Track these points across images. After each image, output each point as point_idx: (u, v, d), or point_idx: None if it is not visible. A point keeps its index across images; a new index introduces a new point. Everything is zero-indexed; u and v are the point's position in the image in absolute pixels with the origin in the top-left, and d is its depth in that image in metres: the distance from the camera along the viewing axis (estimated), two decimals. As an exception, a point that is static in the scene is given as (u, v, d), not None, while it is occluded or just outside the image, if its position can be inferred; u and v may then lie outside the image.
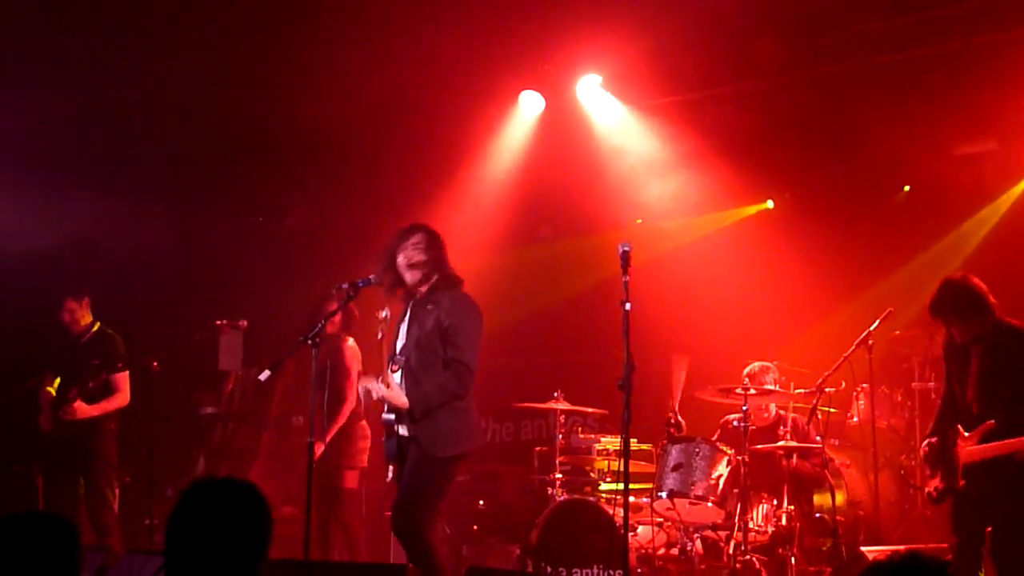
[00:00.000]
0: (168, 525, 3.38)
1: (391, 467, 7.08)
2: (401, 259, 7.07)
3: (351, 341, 9.20)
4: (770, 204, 11.81)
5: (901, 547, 6.61)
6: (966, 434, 6.78)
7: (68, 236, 10.87)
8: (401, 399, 6.79)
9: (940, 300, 6.85)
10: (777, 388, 9.03)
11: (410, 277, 7.07)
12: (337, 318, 8.96)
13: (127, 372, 9.23)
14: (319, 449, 8.74)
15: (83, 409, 8.97)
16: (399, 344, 7.11)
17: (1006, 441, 6.54)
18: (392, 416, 6.95)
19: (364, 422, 9.50)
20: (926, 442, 7.17)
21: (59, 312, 9.25)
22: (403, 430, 6.92)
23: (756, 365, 9.29)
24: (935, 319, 6.95)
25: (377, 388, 6.84)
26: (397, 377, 6.92)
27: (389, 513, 7.10)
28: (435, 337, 6.91)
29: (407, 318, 7.13)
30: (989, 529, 6.82)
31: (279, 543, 3.61)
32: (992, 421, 6.60)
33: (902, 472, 9.42)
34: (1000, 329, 6.76)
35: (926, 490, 7.19)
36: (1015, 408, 6.56)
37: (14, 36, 9.41)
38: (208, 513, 3.36)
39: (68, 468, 9.17)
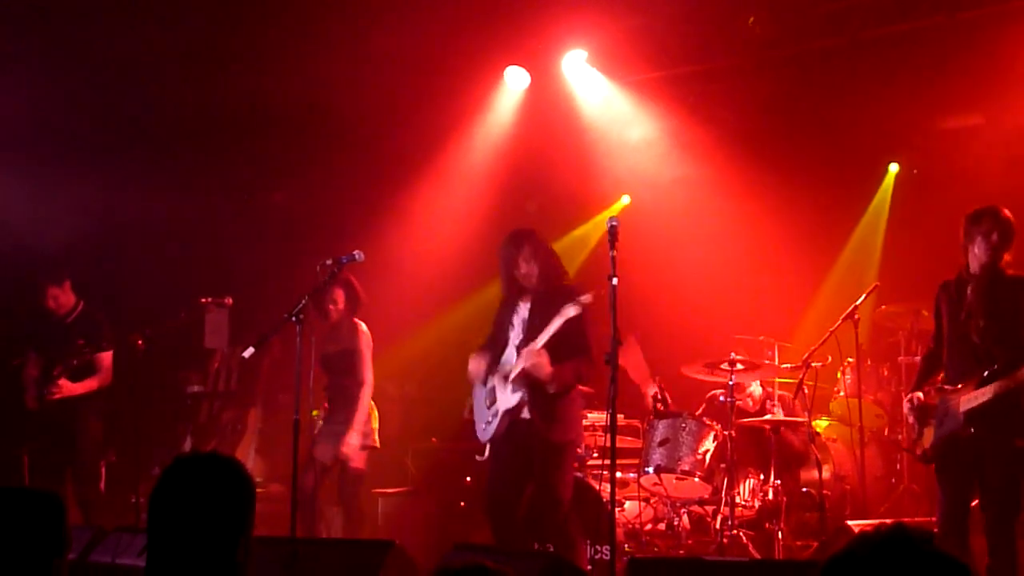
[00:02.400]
0: (150, 501, 3.37)
1: (488, 446, 7.48)
2: (521, 270, 7.49)
3: (364, 326, 9.09)
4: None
5: (888, 520, 6.59)
6: (959, 386, 6.75)
7: (46, 220, 10.80)
8: (546, 368, 7.11)
9: (985, 217, 6.81)
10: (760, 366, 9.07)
11: (528, 283, 7.51)
12: (341, 301, 8.87)
13: (111, 352, 9.21)
14: (349, 452, 8.72)
15: (67, 387, 8.98)
16: (513, 332, 7.50)
17: (1013, 375, 6.40)
18: (518, 398, 7.28)
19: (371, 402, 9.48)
20: (910, 396, 7.08)
21: (43, 300, 9.21)
22: (526, 412, 7.31)
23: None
24: (971, 227, 6.82)
25: (530, 353, 7.16)
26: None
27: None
28: (562, 330, 7.19)
29: (528, 308, 7.49)
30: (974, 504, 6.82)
31: (267, 521, 3.60)
32: (995, 365, 6.51)
33: (885, 432, 9.43)
34: (1000, 272, 6.70)
35: (917, 452, 7.12)
36: (1020, 349, 6.51)
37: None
38: (190, 488, 3.34)
39: (54, 447, 9.15)
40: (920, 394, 7.00)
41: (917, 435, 7.04)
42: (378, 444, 9.06)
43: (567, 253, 10.38)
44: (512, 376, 7.29)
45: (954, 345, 6.85)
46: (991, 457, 6.58)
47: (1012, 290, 6.68)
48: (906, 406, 7.14)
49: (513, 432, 7.33)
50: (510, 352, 7.44)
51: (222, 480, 3.37)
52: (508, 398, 7.34)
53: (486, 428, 7.46)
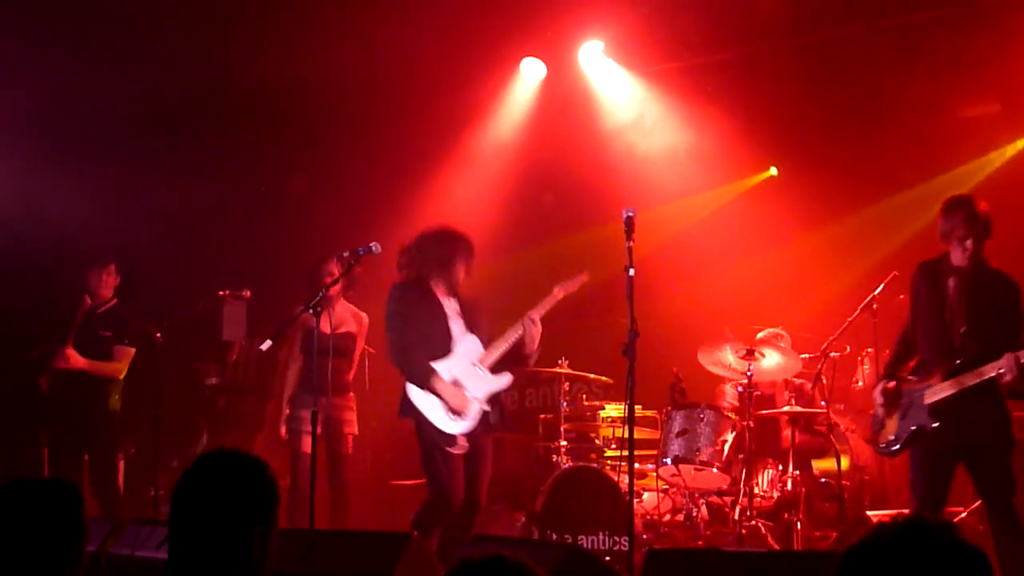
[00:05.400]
0: (172, 496, 3.39)
1: (458, 439, 7.33)
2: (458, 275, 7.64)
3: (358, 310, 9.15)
4: (773, 171, 11.74)
5: (906, 511, 6.54)
6: (927, 378, 6.65)
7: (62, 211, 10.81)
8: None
9: (956, 208, 6.69)
10: (782, 359, 9.00)
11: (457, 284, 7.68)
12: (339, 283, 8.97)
13: (132, 350, 9.19)
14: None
15: (74, 358, 8.87)
16: (455, 324, 7.56)
17: (978, 370, 6.34)
18: (508, 378, 7.59)
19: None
20: (882, 385, 6.96)
21: (97, 286, 9.19)
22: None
23: (765, 332, 9.28)
24: (944, 217, 6.68)
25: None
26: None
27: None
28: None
29: (452, 305, 7.60)
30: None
31: (282, 512, 3.62)
32: (960, 360, 6.45)
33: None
34: (984, 266, 6.63)
35: (880, 443, 7.03)
36: (993, 343, 6.39)
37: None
38: (211, 485, 3.37)
39: (73, 439, 9.16)
40: (892, 383, 6.94)
41: (880, 426, 6.98)
42: (356, 431, 9.19)
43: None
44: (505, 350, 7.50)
45: (931, 337, 6.77)
46: (976, 449, 6.54)
47: (993, 287, 6.60)
48: (877, 395, 7.00)
49: (482, 419, 7.45)
50: (469, 341, 7.52)
51: (243, 479, 3.39)
52: (494, 380, 7.50)
53: (457, 420, 7.35)
